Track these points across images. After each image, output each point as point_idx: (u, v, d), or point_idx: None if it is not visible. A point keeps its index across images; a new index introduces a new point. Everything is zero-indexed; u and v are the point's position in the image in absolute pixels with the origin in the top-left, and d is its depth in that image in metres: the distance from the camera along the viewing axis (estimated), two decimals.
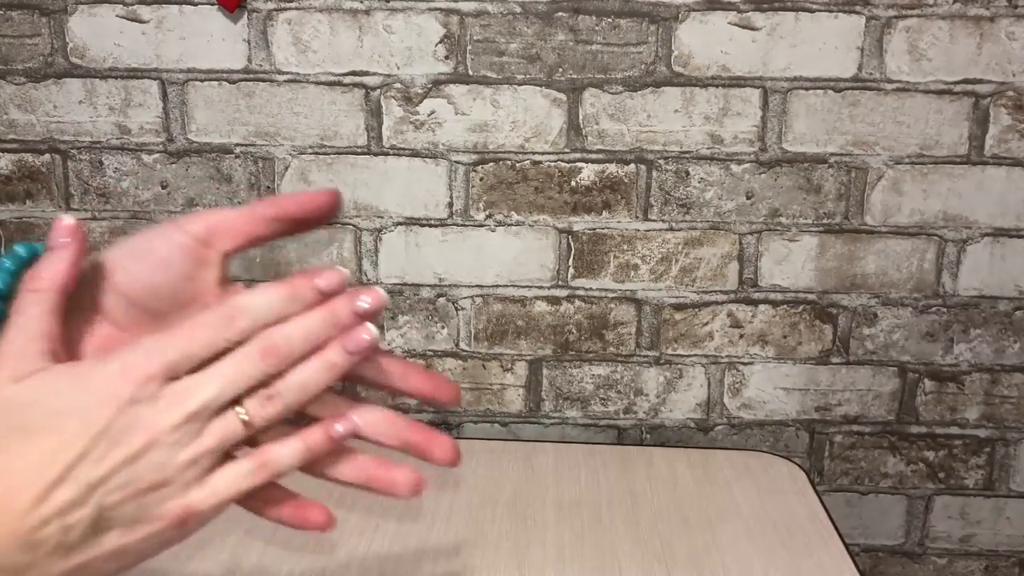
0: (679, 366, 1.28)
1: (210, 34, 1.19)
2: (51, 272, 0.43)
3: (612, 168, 1.21)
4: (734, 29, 1.16)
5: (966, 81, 1.17)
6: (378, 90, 1.20)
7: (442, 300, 1.27)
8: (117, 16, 1.19)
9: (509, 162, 1.22)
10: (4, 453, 0.38)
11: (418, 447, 0.47)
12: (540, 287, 1.26)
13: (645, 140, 1.20)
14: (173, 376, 0.40)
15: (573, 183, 1.22)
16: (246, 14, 1.18)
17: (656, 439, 1.31)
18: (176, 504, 0.40)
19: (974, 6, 1.14)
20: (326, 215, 0.48)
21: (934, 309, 1.25)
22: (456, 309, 1.27)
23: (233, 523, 1.04)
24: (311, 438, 0.44)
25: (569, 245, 1.24)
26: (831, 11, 1.15)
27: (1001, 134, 1.18)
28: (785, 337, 1.26)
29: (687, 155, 1.20)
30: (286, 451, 0.43)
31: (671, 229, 1.23)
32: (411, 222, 1.24)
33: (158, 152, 1.23)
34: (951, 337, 1.26)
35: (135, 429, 0.38)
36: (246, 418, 0.41)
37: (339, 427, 0.45)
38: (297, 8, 1.17)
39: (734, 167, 1.21)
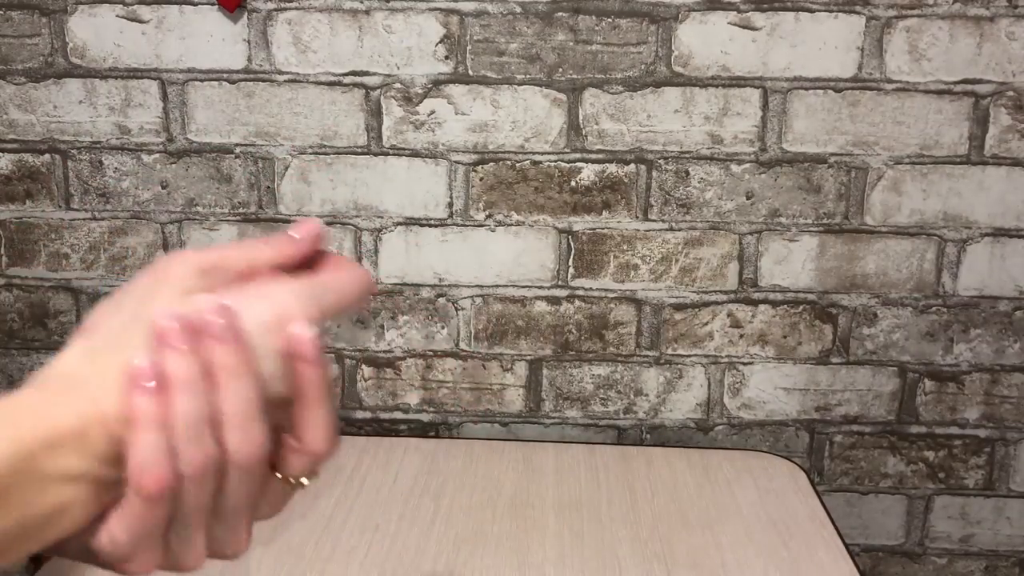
0: (679, 366, 1.28)
1: (210, 34, 1.19)
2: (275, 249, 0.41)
3: (612, 168, 1.21)
4: (734, 29, 1.16)
5: (966, 81, 1.17)
6: (378, 90, 1.20)
7: (442, 300, 1.27)
8: (117, 16, 1.19)
9: (509, 162, 1.22)
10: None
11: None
12: (540, 287, 1.26)
13: (645, 140, 1.20)
14: None
15: (573, 183, 1.22)
16: (246, 14, 1.18)
17: (656, 439, 1.31)
18: None
19: (974, 6, 1.14)
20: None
21: (934, 309, 1.25)
22: (456, 309, 1.27)
23: None
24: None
25: (569, 245, 1.24)
26: (831, 11, 1.15)
27: (1001, 134, 1.18)
28: (785, 337, 1.26)
29: (687, 155, 1.20)
30: None
31: (671, 229, 1.23)
32: (411, 222, 1.24)
33: (158, 152, 1.23)
34: (951, 337, 1.26)
35: None
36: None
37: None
38: (297, 8, 1.17)
39: (734, 167, 1.21)
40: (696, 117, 1.19)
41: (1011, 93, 1.17)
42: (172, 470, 0.35)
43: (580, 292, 1.26)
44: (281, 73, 1.20)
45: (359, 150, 1.22)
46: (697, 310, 1.26)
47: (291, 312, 0.38)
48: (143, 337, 0.37)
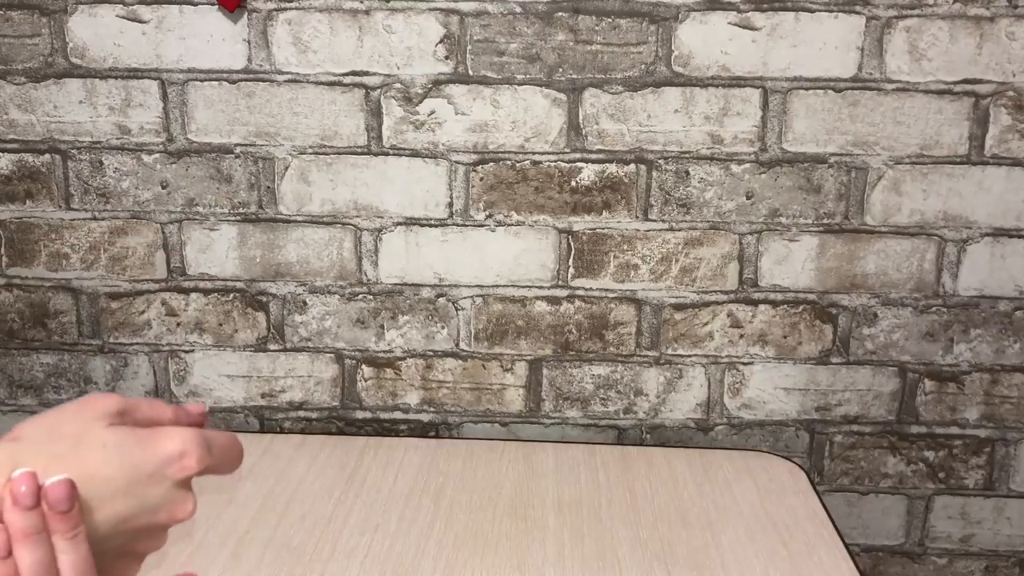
0: (679, 366, 1.28)
1: (210, 34, 1.19)
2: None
3: (612, 168, 1.21)
4: (734, 29, 1.16)
5: (966, 81, 1.17)
6: (378, 90, 1.20)
7: (442, 300, 1.27)
8: (117, 16, 1.19)
9: (509, 162, 1.22)
10: None
11: None
12: (540, 287, 1.26)
13: (645, 140, 1.20)
14: None
15: (573, 183, 1.22)
16: (246, 14, 1.18)
17: (656, 439, 1.31)
18: None
19: (974, 6, 1.14)
20: None
21: (934, 309, 1.25)
22: (456, 309, 1.27)
23: (232, 522, 1.04)
24: None
25: (569, 245, 1.24)
26: (831, 11, 1.15)
27: (1001, 134, 1.18)
28: (785, 337, 1.26)
29: (687, 155, 1.21)
30: None
31: (671, 229, 1.23)
32: (411, 222, 1.24)
33: (158, 152, 1.23)
34: (951, 337, 1.26)
35: None
36: None
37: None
38: (297, 8, 1.17)
39: (734, 167, 1.21)
40: (696, 117, 1.19)
41: (1011, 93, 1.17)
42: None
43: (580, 292, 1.26)
44: (281, 73, 1.20)
45: (359, 150, 1.22)
46: (697, 310, 1.26)
47: (189, 448, 0.46)
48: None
